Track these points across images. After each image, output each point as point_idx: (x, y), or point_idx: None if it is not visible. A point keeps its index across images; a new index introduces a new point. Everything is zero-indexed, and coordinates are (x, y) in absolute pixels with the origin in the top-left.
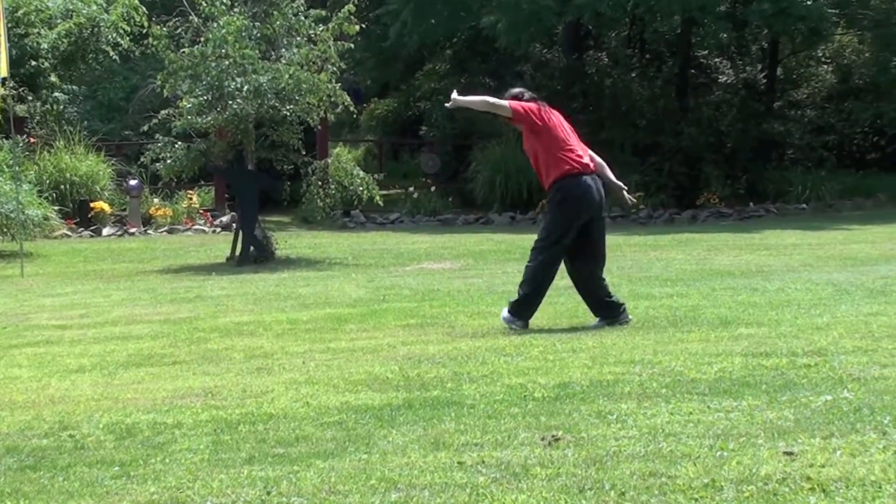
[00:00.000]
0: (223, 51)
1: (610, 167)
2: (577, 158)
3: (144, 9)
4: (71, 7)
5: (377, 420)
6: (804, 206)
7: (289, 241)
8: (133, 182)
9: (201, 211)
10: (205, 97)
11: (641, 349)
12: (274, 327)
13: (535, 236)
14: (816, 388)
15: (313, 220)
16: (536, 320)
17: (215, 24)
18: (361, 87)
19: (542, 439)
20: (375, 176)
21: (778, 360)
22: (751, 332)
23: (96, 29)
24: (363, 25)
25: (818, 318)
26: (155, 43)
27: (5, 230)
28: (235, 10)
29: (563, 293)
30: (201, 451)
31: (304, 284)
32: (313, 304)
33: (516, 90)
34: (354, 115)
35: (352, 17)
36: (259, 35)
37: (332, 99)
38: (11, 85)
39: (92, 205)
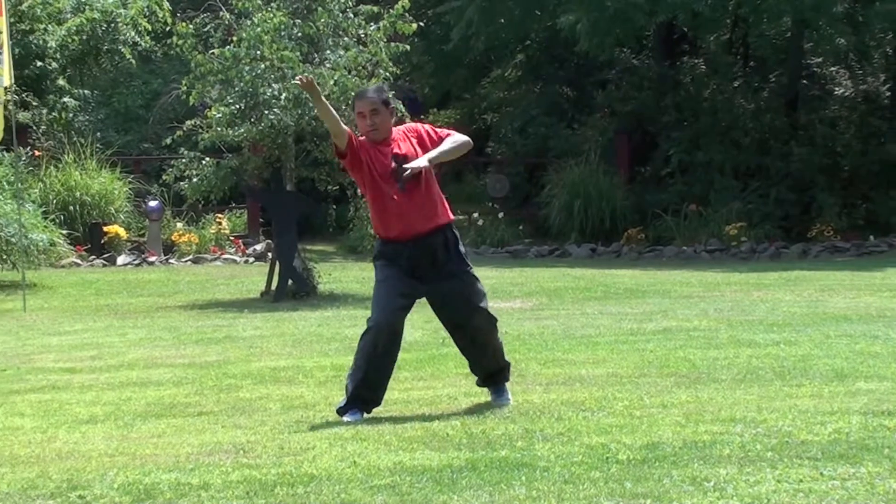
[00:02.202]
0: (258, 52)
1: (707, 192)
2: None
3: (168, 3)
4: (83, 0)
5: (435, 483)
6: None
7: (333, 273)
8: (153, 203)
9: (232, 238)
10: (237, 106)
11: (743, 405)
12: (316, 374)
13: (617, 271)
14: None
15: (362, 250)
16: (619, 369)
17: (249, 22)
18: (419, 95)
19: None
20: None
21: None
22: (871, 388)
23: (112, 26)
24: (421, 24)
25: None
26: (180, 42)
27: (5, 257)
28: (273, 5)
29: (650, 339)
30: None
31: (350, 325)
32: None
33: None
34: None
35: (407, 15)
36: (300, 34)
37: None
38: (14, 89)
39: (105, 229)
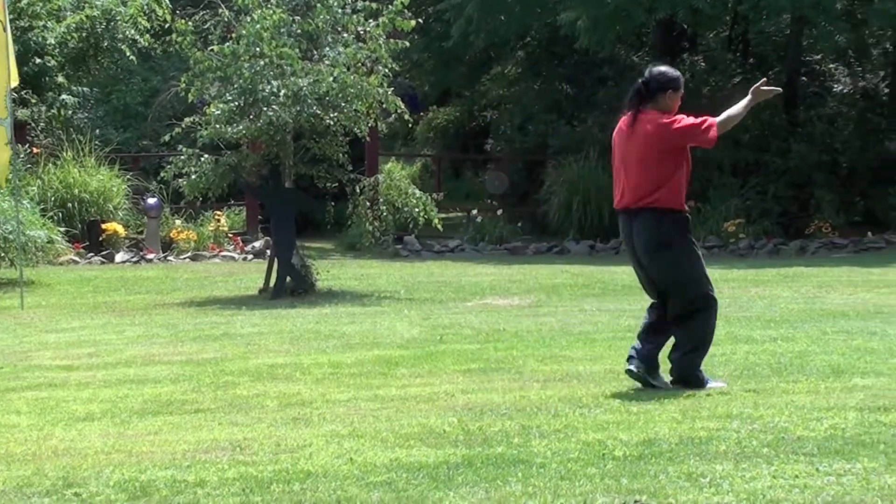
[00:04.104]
0: (257, 49)
1: (706, 189)
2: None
3: (168, 1)
4: None
5: (432, 480)
6: None
7: (332, 270)
8: (151, 201)
9: (230, 235)
10: (236, 103)
11: (740, 401)
12: (313, 371)
13: (615, 268)
14: None
15: (360, 247)
16: (617, 365)
17: (249, 19)
18: (418, 92)
19: None
20: (433, 196)
21: None
22: (867, 383)
23: (111, 23)
24: (420, 21)
25: None
26: (179, 39)
27: (3, 255)
28: (272, 2)
29: None
30: None
31: (348, 321)
32: (359, 344)
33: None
34: (409, 126)
35: (406, 12)
36: (299, 31)
37: (384, 106)
38: (13, 87)
39: (103, 226)
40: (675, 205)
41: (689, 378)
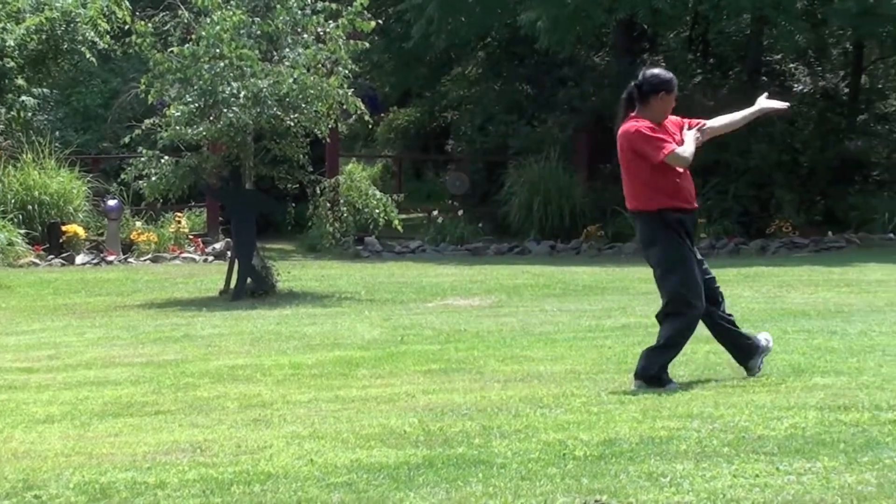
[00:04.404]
0: (217, 51)
1: None
2: None
3: (128, 3)
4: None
5: (393, 481)
6: (892, 236)
7: (292, 271)
8: (112, 202)
9: (191, 236)
10: (196, 104)
11: (700, 401)
12: (274, 372)
13: (576, 268)
14: None
15: (321, 248)
16: (578, 365)
17: (208, 20)
18: (378, 93)
19: None
20: (394, 197)
21: (859, 414)
22: (827, 383)
23: (71, 25)
24: (379, 22)
25: None
26: (138, 41)
27: None
28: (232, 3)
29: (609, 336)
30: None
31: (309, 323)
32: (320, 345)
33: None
34: (370, 127)
35: (366, 13)
36: (259, 33)
37: (344, 107)
38: None
39: (64, 228)
40: (653, 206)
41: (649, 375)
